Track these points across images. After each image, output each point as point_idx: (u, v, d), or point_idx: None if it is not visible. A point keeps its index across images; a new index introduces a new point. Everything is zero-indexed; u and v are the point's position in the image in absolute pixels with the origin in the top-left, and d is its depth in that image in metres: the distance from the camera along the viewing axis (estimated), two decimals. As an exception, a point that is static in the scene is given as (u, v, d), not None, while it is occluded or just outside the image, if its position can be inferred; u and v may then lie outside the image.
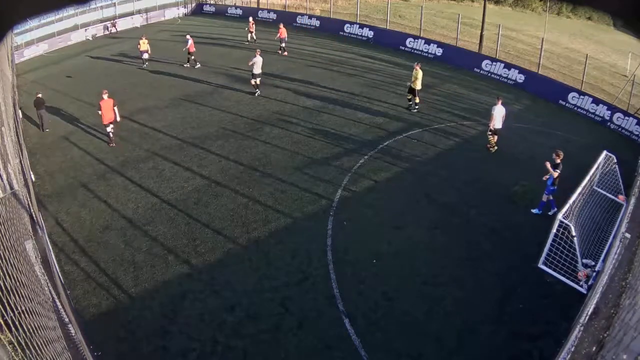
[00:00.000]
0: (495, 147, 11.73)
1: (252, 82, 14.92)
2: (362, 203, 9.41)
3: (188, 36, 18.02)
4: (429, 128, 12.99)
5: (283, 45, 19.84)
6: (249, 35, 21.87)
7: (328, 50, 20.76)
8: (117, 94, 15.60)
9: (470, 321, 6.56)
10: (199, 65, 18.18)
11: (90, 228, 8.69)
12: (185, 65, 18.30)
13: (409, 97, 14.10)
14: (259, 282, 7.26)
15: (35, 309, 3.27)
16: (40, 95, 12.93)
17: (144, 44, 18.35)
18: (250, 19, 22.59)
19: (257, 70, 14.68)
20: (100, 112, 11.48)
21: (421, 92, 13.89)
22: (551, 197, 8.99)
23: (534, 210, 9.23)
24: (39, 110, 12.83)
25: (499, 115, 11.33)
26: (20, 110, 13.19)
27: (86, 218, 9.00)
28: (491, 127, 11.50)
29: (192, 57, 18.04)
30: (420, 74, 13.50)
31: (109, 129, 11.59)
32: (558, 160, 8.64)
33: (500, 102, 11.42)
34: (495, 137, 11.61)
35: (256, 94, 15.04)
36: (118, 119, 11.71)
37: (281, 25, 20.28)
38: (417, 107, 14.05)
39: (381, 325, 6.47)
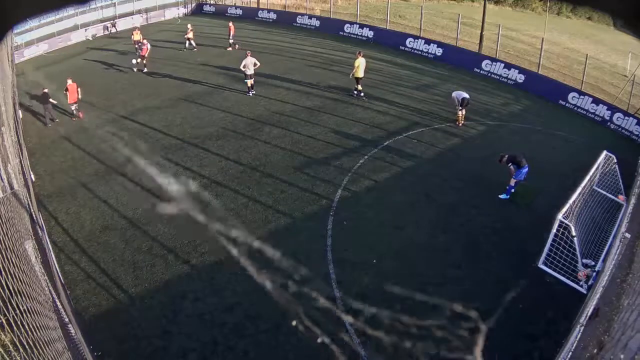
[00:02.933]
0: (462, 122, 13.28)
1: (248, 82, 14.98)
2: (362, 203, 9.42)
3: (145, 40, 18.47)
4: (429, 128, 12.99)
5: (231, 41, 20.64)
6: (187, 42, 20.65)
7: (328, 50, 20.75)
8: (118, 94, 15.65)
9: (469, 321, 6.55)
10: (146, 69, 18.01)
11: (90, 228, 8.69)
12: (135, 70, 18.21)
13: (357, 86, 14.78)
14: (259, 282, 7.25)
15: (36, 309, 3.27)
16: (46, 90, 13.41)
17: (136, 35, 19.99)
18: (189, 25, 21.15)
19: (250, 70, 14.68)
20: (66, 94, 13.48)
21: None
22: (513, 185, 9.64)
23: (503, 195, 9.72)
24: (45, 105, 13.38)
25: (462, 94, 13.04)
26: (20, 111, 13.23)
27: (86, 218, 9.00)
28: (456, 104, 13.12)
29: (144, 61, 18.02)
30: (357, 62, 14.16)
31: (73, 107, 13.67)
32: (503, 162, 9.53)
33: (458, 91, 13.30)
34: (464, 110, 13.18)
35: (251, 94, 15.06)
36: (79, 97, 13.71)
37: (230, 23, 20.96)
38: (362, 94, 14.76)
39: (381, 326, 6.47)
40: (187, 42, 20.75)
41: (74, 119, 13.68)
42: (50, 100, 13.33)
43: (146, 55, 17.86)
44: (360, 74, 14.42)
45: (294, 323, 5.76)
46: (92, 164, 11.07)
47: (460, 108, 13.06)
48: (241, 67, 14.78)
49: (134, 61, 18.30)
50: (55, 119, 13.66)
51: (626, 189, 9.80)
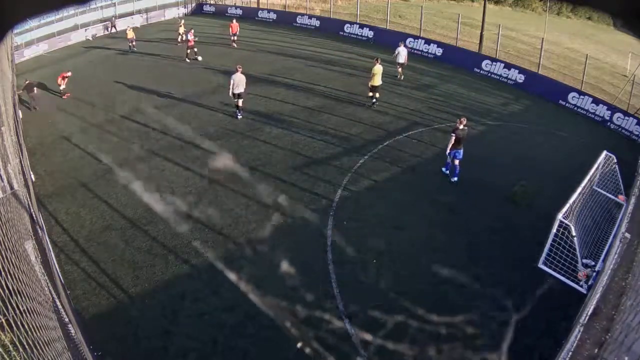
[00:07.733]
0: (402, 77, 16.48)
1: (237, 102, 12.98)
2: (362, 203, 9.42)
3: (192, 31, 19.47)
4: (429, 128, 12.99)
5: (234, 38, 21.50)
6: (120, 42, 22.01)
7: (328, 50, 20.75)
8: (118, 94, 15.64)
9: (470, 321, 6.55)
10: (200, 58, 19.24)
11: (90, 228, 8.69)
12: (198, 58, 19.30)
13: (370, 94, 14.00)
14: (259, 282, 7.26)
15: (35, 309, 3.27)
16: (28, 81, 14.71)
17: (130, 32, 21.51)
18: (120, 25, 22.44)
19: (239, 89, 12.60)
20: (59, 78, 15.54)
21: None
22: (449, 161, 10.09)
23: (443, 169, 10.48)
24: (30, 94, 14.64)
25: (402, 53, 16.10)
26: (20, 111, 13.25)
27: (86, 218, 9.00)
28: (395, 59, 16.24)
29: (194, 50, 19.32)
30: (375, 69, 13.48)
31: (61, 87, 15.65)
32: (460, 126, 9.76)
33: (402, 45, 16.39)
34: (400, 69, 16.38)
35: (239, 116, 13.14)
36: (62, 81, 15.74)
37: (234, 21, 21.89)
38: (375, 102, 14.09)
39: (381, 326, 6.47)
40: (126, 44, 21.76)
41: (64, 97, 15.57)
42: (35, 90, 14.72)
43: (191, 44, 19.15)
44: (377, 81, 13.56)
45: (299, 345, 5.69)
46: (92, 164, 11.07)
47: (399, 66, 16.20)
48: (230, 86, 12.61)
49: (199, 58, 19.19)
50: (38, 109, 14.75)
51: (626, 189, 9.80)
